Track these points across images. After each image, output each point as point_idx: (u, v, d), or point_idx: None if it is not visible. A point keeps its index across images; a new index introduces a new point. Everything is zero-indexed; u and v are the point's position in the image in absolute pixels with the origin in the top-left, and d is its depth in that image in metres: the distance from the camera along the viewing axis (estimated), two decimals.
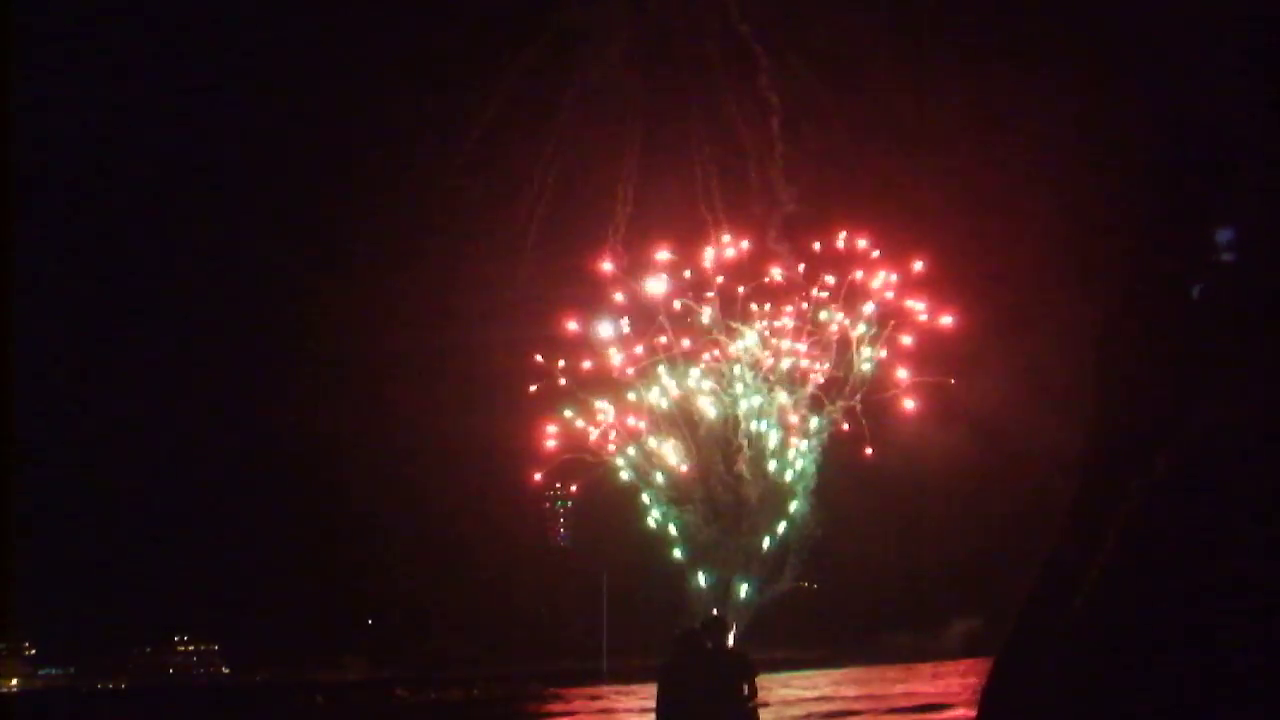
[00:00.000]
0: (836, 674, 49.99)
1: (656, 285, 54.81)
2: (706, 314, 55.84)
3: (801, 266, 54.89)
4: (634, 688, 40.72)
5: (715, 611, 48.05)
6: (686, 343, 56.30)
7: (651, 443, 56.97)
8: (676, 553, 57.49)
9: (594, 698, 44.01)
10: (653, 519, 56.81)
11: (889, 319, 53.54)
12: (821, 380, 54.66)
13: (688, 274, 55.96)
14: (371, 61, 60.09)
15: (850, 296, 54.69)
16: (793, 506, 55.99)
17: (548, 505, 68.33)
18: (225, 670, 72.73)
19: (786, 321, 54.67)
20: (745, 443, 56.18)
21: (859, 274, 53.68)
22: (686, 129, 53.98)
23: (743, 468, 56.23)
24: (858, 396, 54.20)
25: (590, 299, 56.03)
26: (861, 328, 54.38)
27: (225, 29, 63.31)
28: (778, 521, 56.19)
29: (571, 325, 56.83)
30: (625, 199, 53.89)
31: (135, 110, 67.71)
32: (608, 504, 57.46)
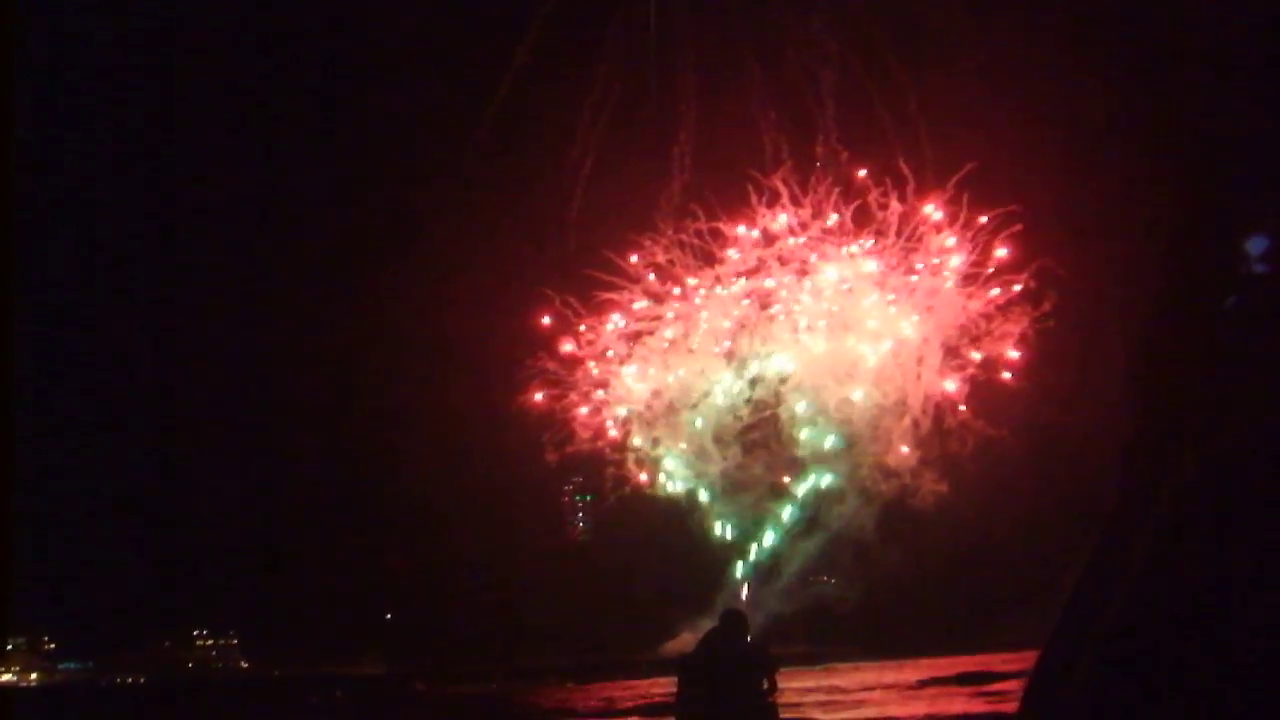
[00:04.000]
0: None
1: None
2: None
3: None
4: (654, 680, 40.40)
5: (739, 603, 47.70)
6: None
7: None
8: (719, 527, 56.98)
9: (609, 692, 43.72)
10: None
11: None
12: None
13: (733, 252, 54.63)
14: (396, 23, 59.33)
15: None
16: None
17: (566, 499, 68.08)
18: (244, 664, 72.77)
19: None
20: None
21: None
22: (744, 90, 52.59)
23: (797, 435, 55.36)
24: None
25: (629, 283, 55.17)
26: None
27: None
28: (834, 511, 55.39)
29: (614, 323, 56.10)
30: (682, 165, 52.75)
31: (159, 99, 67.73)
32: (633, 498, 57.10)
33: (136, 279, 71.80)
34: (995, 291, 52.45)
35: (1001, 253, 51.36)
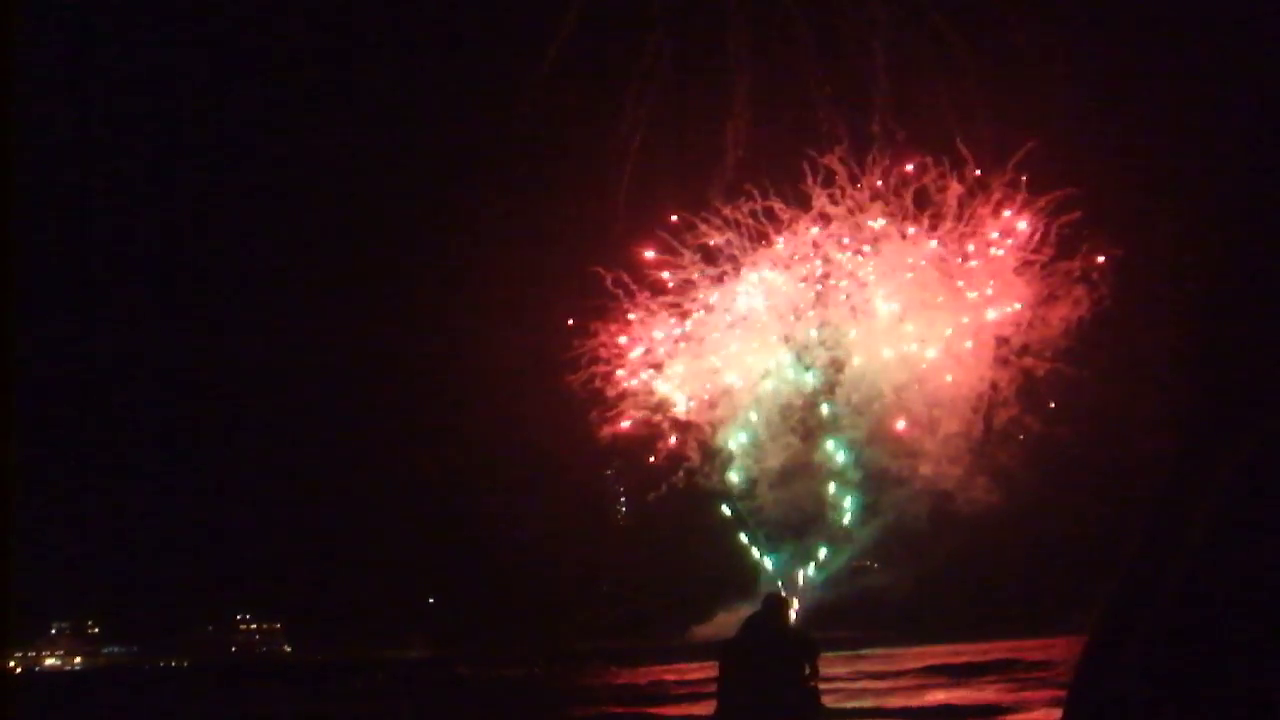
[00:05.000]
0: None
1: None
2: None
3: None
4: (696, 664, 40.04)
5: (781, 589, 47.14)
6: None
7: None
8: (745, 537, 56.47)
9: (650, 676, 43.41)
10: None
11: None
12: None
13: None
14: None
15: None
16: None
17: (609, 482, 67.72)
18: (287, 649, 73.15)
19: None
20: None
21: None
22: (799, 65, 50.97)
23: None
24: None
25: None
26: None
27: None
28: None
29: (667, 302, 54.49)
30: (736, 140, 51.29)
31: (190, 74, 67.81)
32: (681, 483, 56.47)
33: (185, 260, 72.17)
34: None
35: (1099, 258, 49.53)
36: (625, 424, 56.24)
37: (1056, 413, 51.32)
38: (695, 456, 56.17)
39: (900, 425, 54.01)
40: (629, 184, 52.83)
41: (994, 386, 52.15)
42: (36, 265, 55.90)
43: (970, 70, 48.92)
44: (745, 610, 12.71)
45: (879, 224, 52.62)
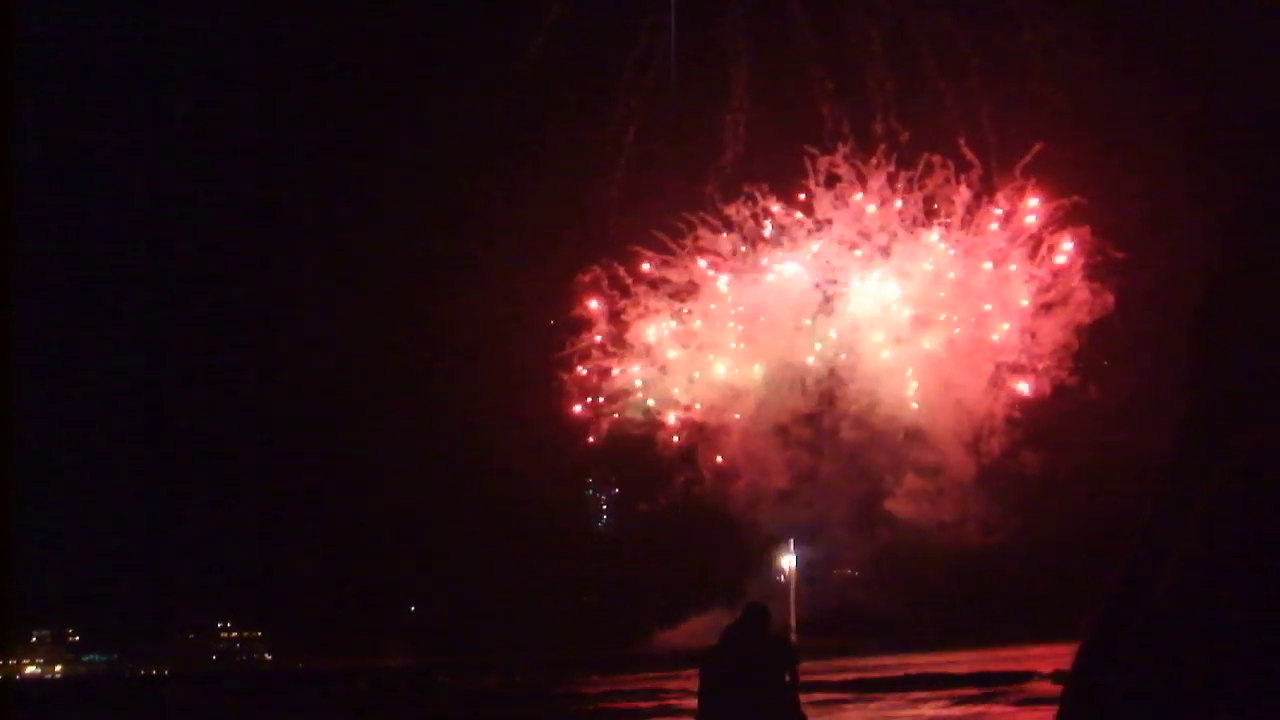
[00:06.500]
0: None
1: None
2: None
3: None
4: (675, 672, 40.14)
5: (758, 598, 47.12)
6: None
7: None
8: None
9: (631, 685, 43.48)
10: None
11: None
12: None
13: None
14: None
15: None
16: None
17: (590, 492, 67.79)
18: (268, 657, 72.98)
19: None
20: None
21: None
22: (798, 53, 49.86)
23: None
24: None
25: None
26: None
27: None
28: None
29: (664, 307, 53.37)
30: (735, 135, 50.19)
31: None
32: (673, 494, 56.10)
33: (172, 279, 72.18)
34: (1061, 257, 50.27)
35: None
36: (611, 426, 55.82)
37: (1053, 442, 50.66)
38: (701, 469, 55.73)
39: (899, 437, 53.76)
40: (624, 179, 51.81)
41: (989, 414, 51.47)
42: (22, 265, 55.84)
43: (975, 69, 48.41)
44: (718, 615, 12.88)
45: (882, 231, 52.09)
